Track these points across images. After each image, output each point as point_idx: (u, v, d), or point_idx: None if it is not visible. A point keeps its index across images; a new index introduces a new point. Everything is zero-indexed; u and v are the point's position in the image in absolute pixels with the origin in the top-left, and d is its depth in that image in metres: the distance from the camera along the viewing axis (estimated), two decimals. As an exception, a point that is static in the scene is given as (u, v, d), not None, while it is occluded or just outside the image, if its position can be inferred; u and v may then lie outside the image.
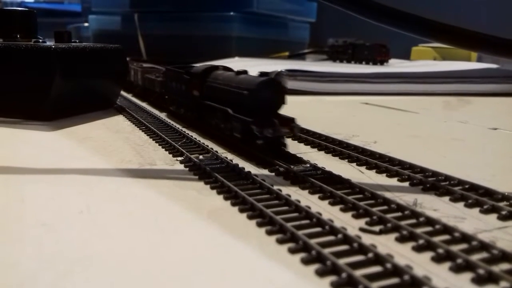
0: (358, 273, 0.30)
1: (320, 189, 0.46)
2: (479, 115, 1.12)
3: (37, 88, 0.79)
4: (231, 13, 1.95)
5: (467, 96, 1.44)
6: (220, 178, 0.48)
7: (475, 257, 0.32)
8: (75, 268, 0.31)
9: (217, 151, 0.60)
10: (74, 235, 0.36)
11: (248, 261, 0.33)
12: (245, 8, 1.99)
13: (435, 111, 1.14)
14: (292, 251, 0.34)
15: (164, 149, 0.63)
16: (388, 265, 0.31)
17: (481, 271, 0.31)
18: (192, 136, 0.68)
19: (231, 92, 0.63)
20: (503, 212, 0.41)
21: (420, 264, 0.33)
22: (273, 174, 0.53)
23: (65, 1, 3.87)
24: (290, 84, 1.35)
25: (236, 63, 1.67)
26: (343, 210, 0.42)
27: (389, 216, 0.39)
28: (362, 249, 0.33)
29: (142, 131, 0.75)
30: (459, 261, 0.32)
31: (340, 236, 0.36)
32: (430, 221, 0.39)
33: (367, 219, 0.40)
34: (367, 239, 0.35)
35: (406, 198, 0.46)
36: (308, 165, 0.53)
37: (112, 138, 0.70)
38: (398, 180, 0.52)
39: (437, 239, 0.35)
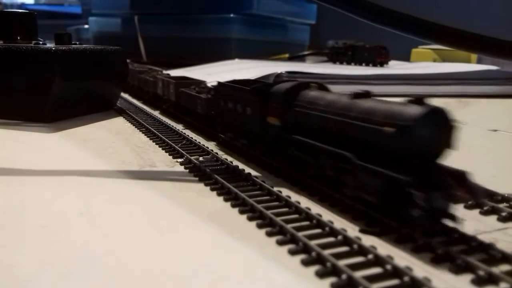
0: (358, 274, 0.30)
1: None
2: (479, 117, 1.12)
3: (37, 90, 0.79)
4: (231, 15, 1.96)
5: (467, 98, 1.44)
6: (220, 179, 0.48)
7: (475, 258, 0.32)
8: (75, 269, 0.31)
9: (217, 153, 0.60)
10: (74, 236, 0.36)
11: (248, 263, 0.33)
12: (245, 10, 1.99)
13: (435, 113, 1.14)
14: (292, 252, 0.34)
15: (164, 151, 0.63)
16: (388, 267, 0.31)
17: (481, 273, 0.31)
18: (191, 138, 0.68)
19: (352, 126, 0.42)
20: (503, 214, 0.41)
21: (420, 265, 0.33)
22: (273, 175, 0.53)
23: (65, 3, 3.88)
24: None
25: (236, 65, 1.67)
26: (343, 211, 0.42)
27: (388, 218, 0.39)
28: (362, 250, 0.33)
29: (142, 132, 0.75)
30: (459, 262, 0.32)
31: (340, 237, 0.36)
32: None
33: (367, 220, 0.40)
34: (367, 241, 0.35)
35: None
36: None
37: (112, 139, 0.70)
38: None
39: (436, 240, 0.35)
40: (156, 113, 0.93)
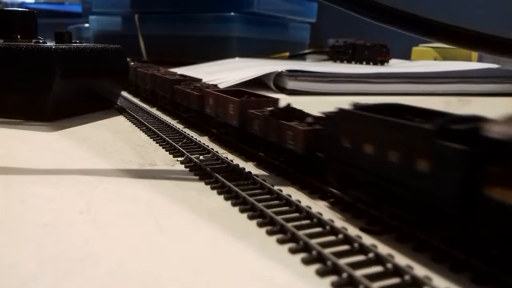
0: (359, 273, 0.30)
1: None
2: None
3: (37, 89, 0.79)
4: (232, 14, 1.95)
5: (468, 96, 1.44)
6: (221, 178, 0.48)
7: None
8: (75, 268, 0.31)
9: (217, 152, 0.60)
10: (74, 235, 0.36)
11: (248, 261, 0.33)
12: (246, 9, 1.99)
13: (436, 111, 1.14)
14: (292, 251, 0.34)
15: (164, 150, 0.63)
16: (389, 265, 0.31)
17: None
18: (192, 136, 0.68)
19: None
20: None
21: (421, 264, 0.33)
22: (274, 174, 0.53)
23: (66, 1, 3.88)
24: (291, 84, 1.35)
25: (236, 64, 1.67)
26: (344, 210, 0.42)
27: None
28: (363, 249, 0.33)
29: (143, 131, 0.75)
30: (460, 261, 0.32)
31: (340, 236, 0.36)
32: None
33: (368, 219, 0.40)
34: (367, 239, 0.35)
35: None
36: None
37: (113, 138, 0.70)
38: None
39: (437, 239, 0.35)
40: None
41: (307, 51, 2.39)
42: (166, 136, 0.68)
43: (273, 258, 0.33)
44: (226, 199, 0.45)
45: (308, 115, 0.54)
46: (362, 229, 0.38)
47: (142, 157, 0.60)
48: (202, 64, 1.74)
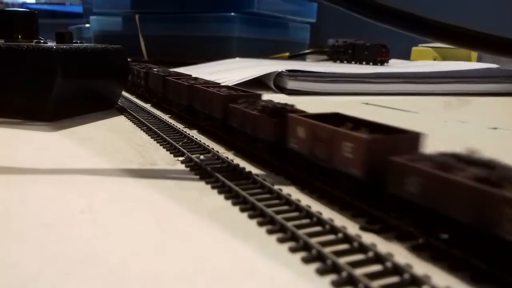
0: (359, 272, 0.30)
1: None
2: (479, 115, 1.12)
3: (38, 89, 0.79)
4: (232, 14, 1.96)
5: (467, 96, 1.44)
6: (221, 178, 0.48)
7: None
8: (76, 268, 0.31)
9: (218, 151, 0.60)
10: (75, 235, 0.36)
11: (248, 260, 0.33)
12: (246, 9, 1.99)
13: (435, 111, 1.14)
14: (292, 250, 0.34)
15: (165, 149, 0.63)
16: (388, 264, 0.31)
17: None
18: (193, 136, 0.68)
19: None
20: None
21: (420, 263, 0.33)
22: (274, 173, 0.53)
23: (67, 2, 3.88)
24: (291, 84, 1.35)
25: (236, 64, 1.67)
26: (343, 209, 0.42)
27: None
28: (362, 248, 0.34)
29: (143, 131, 0.75)
30: (459, 259, 0.32)
31: (340, 235, 0.36)
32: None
33: (367, 218, 0.40)
34: (367, 238, 0.35)
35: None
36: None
37: (113, 138, 0.70)
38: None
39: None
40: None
41: (307, 51, 2.39)
42: (167, 136, 0.68)
43: (273, 257, 0.33)
44: (226, 198, 0.45)
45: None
46: (361, 228, 0.38)
47: (143, 156, 0.60)
48: (202, 64, 1.74)
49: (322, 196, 0.45)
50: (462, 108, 1.23)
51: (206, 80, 0.90)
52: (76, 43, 0.91)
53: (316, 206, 0.43)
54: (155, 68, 1.11)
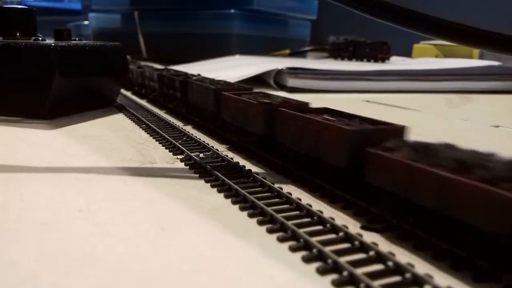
0: (360, 271, 0.30)
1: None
2: (481, 113, 1.11)
3: (36, 86, 0.79)
4: (232, 11, 1.95)
5: (469, 94, 1.44)
6: (221, 176, 0.48)
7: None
8: (75, 266, 0.31)
9: (217, 149, 0.60)
10: (74, 233, 0.36)
11: (249, 260, 0.33)
12: (246, 6, 1.98)
13: (437, 109, 1.14)
14: (293, 249, 0.34)
15: (164, 148, 0.63)
16: (390, 263, 0.31)
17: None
18: (192, 134, 0.68)
19: None
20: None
21: (422, 262, 0.33)
22: (274, 172, 0.53)
23: (65, -1, 3.87)
24: (291, 82, 1.35)
25: (236, 61, 1.66)
26: (345, 208, 0.42)
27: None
28: (364, 247, 0.33)
29: (143, 129, 0.75)
30: (461, 259, 0.32)
31: (341, 234, 0.35)
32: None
33: (369, 217, 0.39)
34: (368, 237, 0.35)
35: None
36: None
37: (112, 136, 0.70)
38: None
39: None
40: (159, 111, 0.92)
41: (307, 48, 2.39)
42: (166, 134, 0.68)
43: (274, 256, 0.33)
44: (226, 197, 0.44)
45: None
46: (363, 227, 0.38)
47: (142, 155, 0.60)
48: (202, 62, 1.73)
49: (323, 195, 0.45)
50: (464, 106, 1.23)
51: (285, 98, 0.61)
52: (75, 40, 0.91)
53: (316, 205, 0.42)
54: (194, 77, 0.84)
